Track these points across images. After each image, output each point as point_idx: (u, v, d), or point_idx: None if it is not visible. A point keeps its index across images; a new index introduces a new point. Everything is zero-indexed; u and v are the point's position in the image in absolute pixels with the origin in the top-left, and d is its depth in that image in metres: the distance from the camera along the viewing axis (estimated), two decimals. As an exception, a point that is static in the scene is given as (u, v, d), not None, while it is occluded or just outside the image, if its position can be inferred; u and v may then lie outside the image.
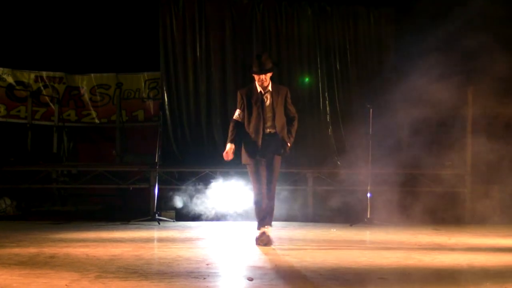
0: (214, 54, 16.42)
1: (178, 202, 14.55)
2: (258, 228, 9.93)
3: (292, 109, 9.98)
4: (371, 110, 14.10)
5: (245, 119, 9.85)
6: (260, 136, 9.74)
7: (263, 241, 9.78)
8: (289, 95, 9.98)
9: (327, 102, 16.50)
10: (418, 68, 14.51)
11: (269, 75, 9.77)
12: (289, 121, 9.95)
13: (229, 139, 9.91)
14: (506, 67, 13.40)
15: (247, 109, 9.83)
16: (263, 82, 9.74)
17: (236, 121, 9.91)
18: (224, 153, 9.86)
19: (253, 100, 9.80)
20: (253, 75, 9.81)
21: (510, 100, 16.93)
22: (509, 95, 17.09)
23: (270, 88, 9.83)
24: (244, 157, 9.91)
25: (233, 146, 9.84)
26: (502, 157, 14.58)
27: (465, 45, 12.84)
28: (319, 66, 16.61)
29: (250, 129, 9.81)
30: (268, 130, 9.81)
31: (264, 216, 9.86)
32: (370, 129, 14.03)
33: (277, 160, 9.90)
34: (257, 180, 9.81)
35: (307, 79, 16.60)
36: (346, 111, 16.64)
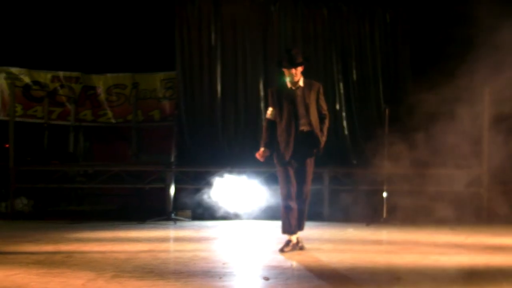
0: (229, 54, 16.42)
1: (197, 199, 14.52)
2: (283, 233, 9.40)
3: (324, 106, 9.55)
4: (387, 109, 14.06)
5: (277, 117, 9.44)
6: (292, 135, 9.28)
7: (293, 248, 9.36)
8: (321, 91, 9.57)
9: (343, 101, 16.46)
10: (434, 67, 14.48)
11: (299, 69, 9.38)
12: (320, 119, 9.50)
13: (263, 141, 9.49)
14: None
15: (278, 107, 9.41)
16: (293, 77, 9.35)
17: (269, 120, 9.49)
18: (256, 154, 9.46)
19: (283, 97, 9.39)
20: (283, 69, 9.43)
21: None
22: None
23: (301, 83, 9.43)
24: (275, 157, 9.47)
25: (266, 150, 9.40)
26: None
27: (478, 42, 12.79)
28: (335, 65, 16.57)
29: (282, 127, 9.36)
30: (301, 127, 9.32)
31: (292, 221, 9.34)
32: (386, 129, 13.99)
33: (310, 162, 9.42)
34: (285, 183, 9.34)
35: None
36: (362, 110, 16.62)
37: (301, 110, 9.35)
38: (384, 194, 13.86)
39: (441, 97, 17.54)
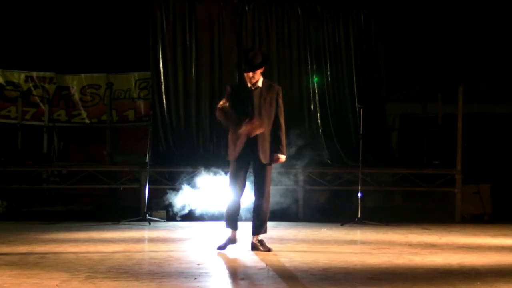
0: (203, 55, 16.40)
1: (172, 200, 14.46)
2: (228, 226, 9.50)
3: (281, 112, 9.31)
4: (361, 110, 14.08)
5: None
6: (242, 137, 9.06)
7: (264, 248, 9.30)
8: (280, 94, 9.35)
9: (317, 101, 16.48)
10: (408, 68, 14.55)
11: (258, 71, 9.18)
12: (277, 129, 9.27)
13: (235, 120, 9.11)
14: (496, 67, 13.46)
15: (234, 105, 9.16)
16: (251, 79, 9.15)
17: (220, 108, 9.19)
18: (250, 127, 9.03)
19: (241, 96, 9.19)
20: (242, 72, 9.32)
21: (500, 100, 17.03)
22: (499, 95, 17.18)
23: (260, 84, 9.23)
24: (229, 153, 9.35)
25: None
26: (492, 156, 14.63)
27: (454, 44, 12.87)
28: (309, 66, 16.58)
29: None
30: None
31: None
32: (361, 129, 14.01)
33: (268, 169, 9.28)
34: (234, 183, 9.26)
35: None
36: (337, 110, 16.65)
37: (255, 112, 9.15)
38: (359, 194, 13.87)
39: (415, 96, 17.68)
